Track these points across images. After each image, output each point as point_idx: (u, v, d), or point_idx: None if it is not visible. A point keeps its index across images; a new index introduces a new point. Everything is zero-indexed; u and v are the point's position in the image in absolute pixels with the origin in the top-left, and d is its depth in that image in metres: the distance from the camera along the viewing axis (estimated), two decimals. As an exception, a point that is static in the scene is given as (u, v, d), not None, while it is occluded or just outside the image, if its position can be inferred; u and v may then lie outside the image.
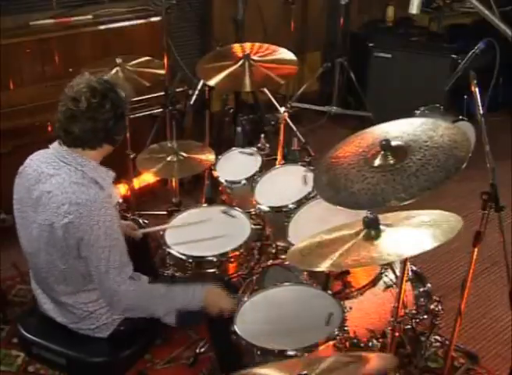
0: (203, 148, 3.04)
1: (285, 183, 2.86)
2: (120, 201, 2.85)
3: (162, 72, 3.32)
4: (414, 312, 2.50)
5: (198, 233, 2.60)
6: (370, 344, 2.27)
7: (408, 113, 3.41)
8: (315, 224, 2.32)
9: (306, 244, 1.96)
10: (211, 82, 2.93)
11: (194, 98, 3.50)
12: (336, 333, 2.04)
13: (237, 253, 2.51)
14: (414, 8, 1.89)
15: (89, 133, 1.96)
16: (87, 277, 2.03)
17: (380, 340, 2.34)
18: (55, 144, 2.04)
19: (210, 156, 2.94)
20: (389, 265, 2.46)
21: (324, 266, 1.76)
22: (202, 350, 2.73)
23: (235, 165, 3.05)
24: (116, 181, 3.12)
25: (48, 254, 2.01)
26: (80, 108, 1.93)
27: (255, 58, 2.96)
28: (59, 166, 1.99)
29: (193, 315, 2.15)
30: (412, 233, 1.79)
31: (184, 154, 2.93)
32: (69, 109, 1.94)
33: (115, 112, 1.96)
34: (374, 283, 2.43)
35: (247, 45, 3.09)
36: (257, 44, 3.10)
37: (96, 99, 1.93)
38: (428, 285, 2.61)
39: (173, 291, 2.14)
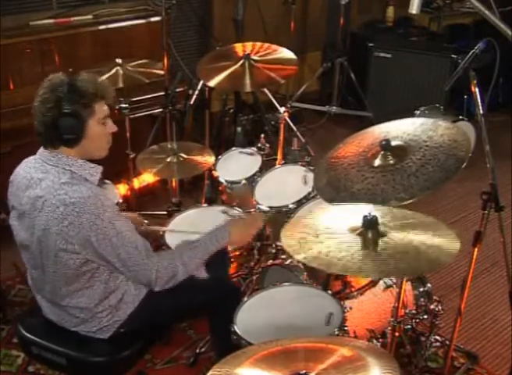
0: (203, 149, 3.04)
1: (285, 183, 2.86)
2: (120, 201, 2.85)
3: (162, 72, 3.33)
4: (414, 312, 2.50)
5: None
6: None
7: (408, 113, 3.42)
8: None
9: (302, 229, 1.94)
10: (211, 83, 2.93)
11: (194, 98, 3.49)
12: (336, 333, 2.04)
13: (237, 253, 2.51)
14: (414, 8, 1.88)
15: (42, 128, 1.95)
16: (87, 273, 2.02)
17: (380, 340, 2.34)
18: (41, 149, 2.03)
19: (210, 158, 2.94)
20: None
21: (303, 257, 1.75)
22: (202, 350, 2.73)
23: (235, 165, 3.05)
24: (116, 181, 3.15)
25: (49, 258, 1.99)
26: (36, 105, 1.94)
27: (255, 58, 2.97)
28: (46, 170, 1.98)
29: (219, 260, 2.21)
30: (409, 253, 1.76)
31: (184, 155, 2.94)
32: (33, 107, 1.96)
33: (60, 109, 1.91)
34: (374, 283, 2.43)
35: (248, 45, 3.09)
36: (257, 44, 3.10)
37: (46, 95, 1.92)
38: (428, 285, 2.61)
39: (199, 241, 2.17)
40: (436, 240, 1.75)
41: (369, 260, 1.70)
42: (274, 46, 3.09)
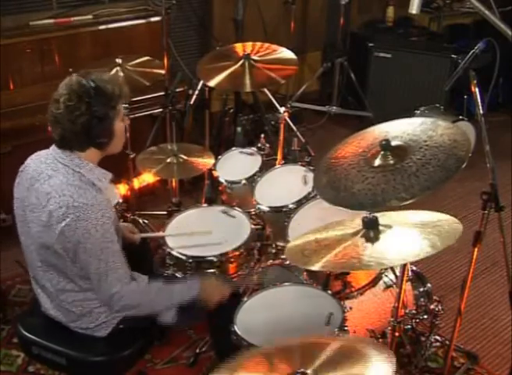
0: (203, 151, 3.04)
1: (285, 183, 2.86)
2: (120, 201, 2.85)
3: (162, 72, 3.33)
4: (414, 312, 2.50)
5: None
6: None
7: (408, 113, 3.42)
8: (315, 224, 2.31)
9: (304, 241, 1.95)
10: (211, 83, 2.93)
11: (194, 98, 3.49)
12: (336, 333, 2.04)
13: (237, 253, 2.51)
14: (414, 8, 1.88)
15: (71, 135, 1.94)
16: (82, 278, 2.03)
17: (380, 340, 2.34)
18: (54, 146, 2.04)
19: (209, 160, 2.93)
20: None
21: (320, 266, 1.76)
22: (202, 350, 2.73)
23: (235, 165, 3.05)
24: (116, 181, 3.15)
25: (46, 253, 2.01)
26: (60, 111, 1.91)
27: (255, 58, 2.97)
28: (57, 168, 1.99)
29: (191, 312, 2.16)
30: (411, 238, 1.78)
31: (184, 156, 2.93)
32: (51, 112, 1.94)
33: (92, 115, 1.91)
34: (374, 283, 2.43)
35: (248, 45, 3.09)
36: (257, 44, 3.10)
37: (72, 102, 1.90)
38: (428, 285, 2.61)
39: (170, 286, 2.16)
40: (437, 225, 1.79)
41: (375, 252, 1.72)
42: (274, 46, 3.08)
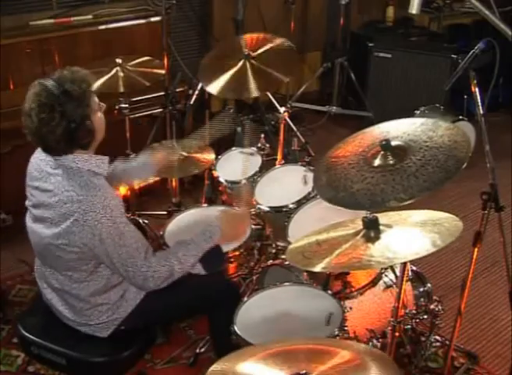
0: (203, 147, 3.03)
1: (285, 183, 2.86)
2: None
3: (162, 72, 3.33)
4: (414, 312, 2.50)
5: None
6: (370, 344, 2.27)
7: (408, 113, 3.41)
8: (315, 224, 2.31)
9: (305, 243, 1.95)
10: (214, 91, 2.90)
11: (194, 98, 3.50)
12: (336, 333, 2.04)
13: (237, 253, 2.51)
14: (414, 8, 1.89)
15: (53, 144, 1.94)
16: (90, 268, 2.04)
17: (380, 340, 2.34)
18: None
19: (210, 156, 2.93)
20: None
21: (321, 267, 1.76)
22: (202, 350, 2.73)
23: (235, 165, 3.04)
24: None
25: (53, 249, 2.01)
26: (35, 125, 1.89)
27: (254, 54, 2.93)
28: (56, 165, 2.00)
29: (215, 256, 2.20)
30: (411, 236, 1.78)
31: (184, 153, 2.93)
32: (27, 126, 1.93)
33: (68, 121, 1.89)
34: (374, 283, 2.43)
35: (244, 42, 3.04)
36: (254, 36, 3.05)
37: (45, 113, 1.87)
38: (428, 285, 2.61)
39: (190, 238, 2.17)
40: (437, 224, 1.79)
41: (375, 251, 1.72)
42: (269, 35, 3.03)
